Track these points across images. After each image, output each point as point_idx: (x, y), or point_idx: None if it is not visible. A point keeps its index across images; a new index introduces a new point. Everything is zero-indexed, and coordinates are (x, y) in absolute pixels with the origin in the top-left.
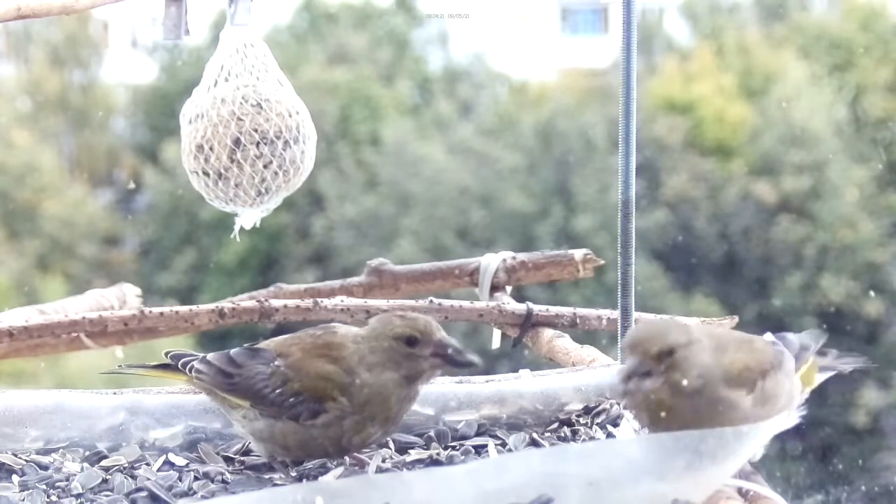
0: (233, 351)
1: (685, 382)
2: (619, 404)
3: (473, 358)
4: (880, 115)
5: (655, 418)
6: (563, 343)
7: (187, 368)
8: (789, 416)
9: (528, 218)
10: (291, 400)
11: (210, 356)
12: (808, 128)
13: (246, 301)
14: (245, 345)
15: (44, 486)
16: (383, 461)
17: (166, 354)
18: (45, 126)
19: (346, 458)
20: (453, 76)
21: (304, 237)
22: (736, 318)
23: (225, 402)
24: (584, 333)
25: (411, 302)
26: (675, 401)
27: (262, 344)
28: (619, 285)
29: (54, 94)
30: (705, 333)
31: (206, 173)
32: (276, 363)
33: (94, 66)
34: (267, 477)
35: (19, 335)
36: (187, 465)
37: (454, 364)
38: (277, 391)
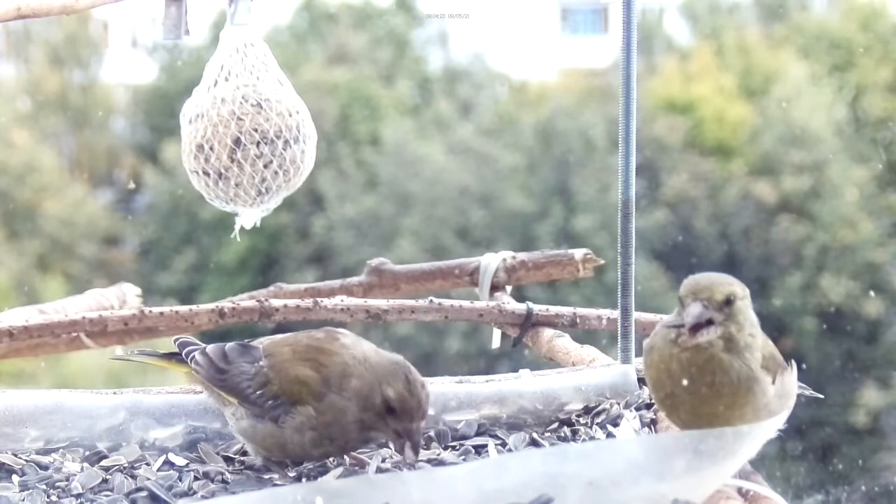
0: (228, 345)
1: (740, 335)
2: (618, 404)
3: (414, 461)
4: (880, 115)
5: (700, 378)
6: (563, 343)
7: (189, 359)
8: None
9: (528, 218)
10: (271, 402)
11: (209, 348)
12: (808, 128)
13: (246, 301)
14: (244, 340)
15: (44, 486)
16: (383, 461)
17: (175, 341)
18: (45, 126)
19: (346, 458)
20: (453, 76)
21: (304, 237)
22: None
23: (220, 397)
24: (584, 333)
25: (412, 302)
26: (725, 357)
27: (258, 341)
28: (619, 285)
29: (54, 94)
30: None
31: (206, 173)
32: (261, 363)
33: (94, 66)
34: (267, 477)
35: (19, 335)
36: (187, 465)
37: (400, 456)
38: (258, 392)
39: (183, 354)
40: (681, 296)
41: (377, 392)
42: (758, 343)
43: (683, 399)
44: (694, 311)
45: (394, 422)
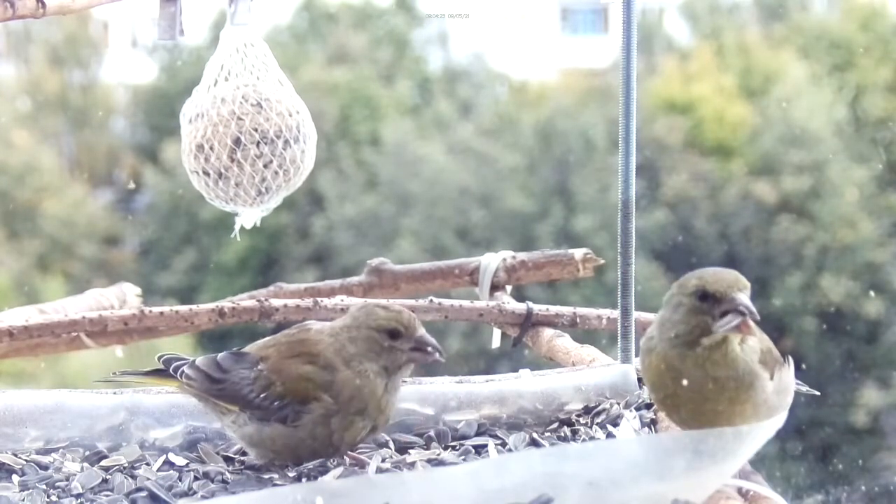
0: (220, 355)
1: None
2: (618, 404)
3: (441, 357)
4: (880, 115)
5: (707, 375)
6: (563, 343)
7: (178, 374)
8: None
9: (528, 218)
10: (277, 403)
11: (199, 361)
12: (808, 128)
13: (246, 301)
14: (232, 349)
15: (44, 486)
16: (383, 461)
17: (159, 359)
18: (45, 126)
19: (346, 458)
20: (453, 76)
21: (304, 237)
22: None
23: (216, 407)
24: (584, 333)
25: (411, 301)
26: (738, 351)
27: (247, 348)
28: (619, 285)
29: (54, 94)
30: None
31: (206, 173)
32: (259, 367)
33: (94, 66)
34: (267, 477)
35: (19, 335)
36: (187, 465)
37: (430, 361)
38: (262, 395)
39: (171, 370)
40: (716, 291)
41: (374, 333)
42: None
43: (685, 398)
44: (747, 301)
45: (405, 342)
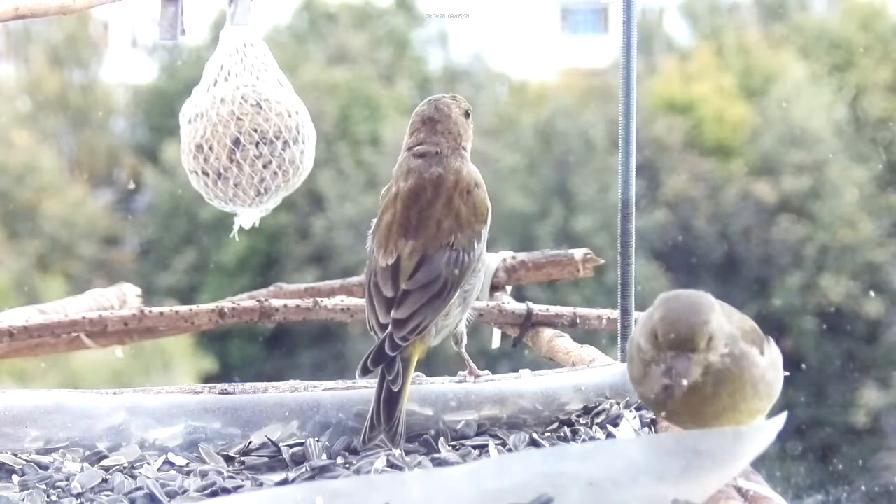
0: None
1: (721, 356)
2: (618, 404)
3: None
4: (880, 115)
5: (691, 395)
6: (563, 343)
7: None
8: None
9: (528, 218)
10: None
11: None
12: (808, 128)
13: (246, 301)
14: None
15: (44, 486)
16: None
17: None
18: (45, 126)
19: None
20: (453, 76)
21: (304, 237)
22: None
23: None
24: (584, 333)
25: None
26: (710, 371)
27: None
28: (619, 285)
29: (54, 94)
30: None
31: (205, 173)
32: None
33: (94, 66)
34: (266, 477)
35: (19, 335)
36: (187, 465)
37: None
38: None
39: None
40: (661, 343)
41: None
42: (736, 335)
43: (682, 409)
44: (682, 368)
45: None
